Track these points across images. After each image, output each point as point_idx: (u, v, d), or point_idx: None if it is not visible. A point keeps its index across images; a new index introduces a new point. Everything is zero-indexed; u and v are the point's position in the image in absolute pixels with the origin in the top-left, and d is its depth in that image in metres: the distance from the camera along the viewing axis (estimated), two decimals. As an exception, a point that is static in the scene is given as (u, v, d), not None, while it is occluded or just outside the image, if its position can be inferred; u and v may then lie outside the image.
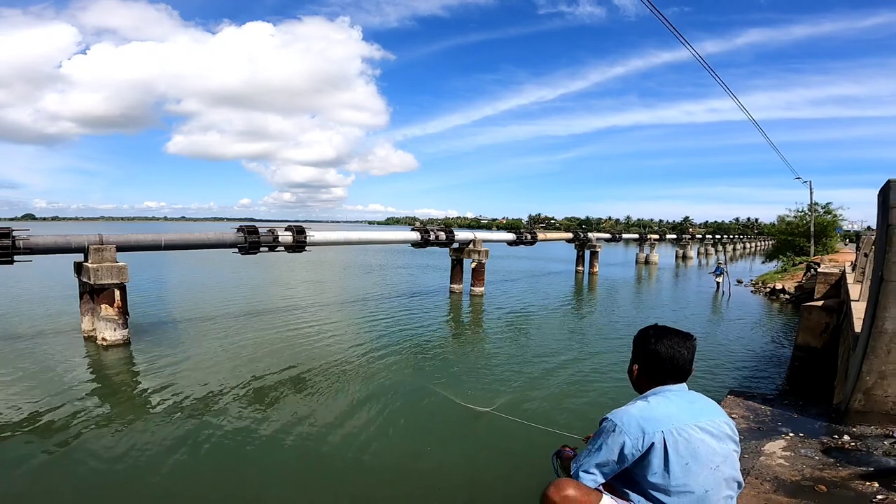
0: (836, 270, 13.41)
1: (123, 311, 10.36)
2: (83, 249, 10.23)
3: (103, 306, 10.09)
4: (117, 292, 10.18)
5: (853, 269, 12.19)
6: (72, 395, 7.52)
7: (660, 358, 2.12)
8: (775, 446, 3.35)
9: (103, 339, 10.06)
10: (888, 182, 4.16)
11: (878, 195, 4.57)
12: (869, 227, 36.21)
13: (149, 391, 7.92)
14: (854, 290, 8.80)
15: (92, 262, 10.02)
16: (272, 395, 7.69)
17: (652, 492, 2.00)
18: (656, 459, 1.96)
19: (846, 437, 3.45)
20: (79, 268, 10.50)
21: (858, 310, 6.45)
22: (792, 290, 20.18)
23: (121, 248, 10.70)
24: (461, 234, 20.26)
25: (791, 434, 3.56)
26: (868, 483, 2.71)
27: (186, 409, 7.03)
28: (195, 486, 5.07)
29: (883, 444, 3.28)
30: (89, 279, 9.95)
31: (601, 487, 2.09)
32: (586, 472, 2.08)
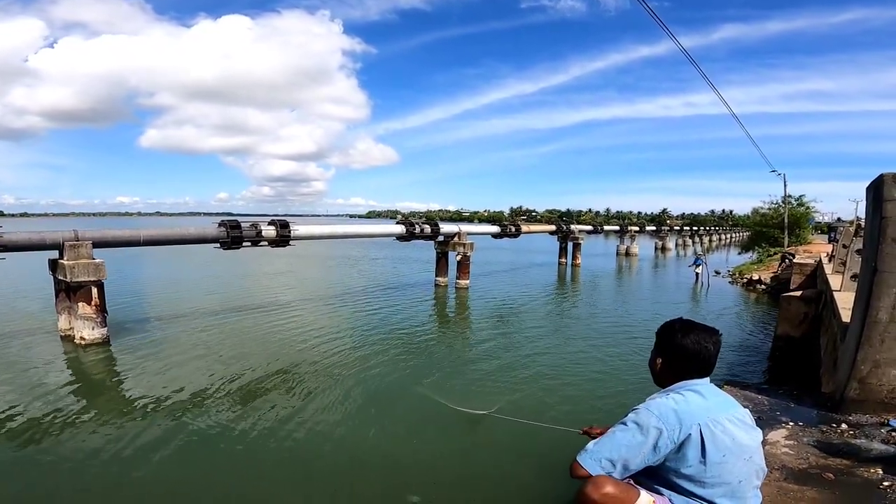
0: (811, 261, 13.80)
1: (101, 308, 10.03)
2: (58, 246, 9.84)
3: (80, 304, 9.75)
4: (95, 290, 9.85)
5: (830, 260, 12.54)
6: (50, 395, 7.26)
7: (687, 353, 2.10)
8: (778, 435, 3.41)
9: (81, 338, 9.73)
10: (881, 176, 4.26)
11: (868, 189, 4.68)
12: (840, 219, 37.33)
13: (130, 390, 7.70)
14: (834, 281, 9.03)
15: (68, 260, 9.65)
16: (255, 394, 7.51)
17: (684, 484, 2.00)
18: (692, 452, 1.96)
19: (844, 426, 3.54)
20: (54, 265, 10.11)
21: (842, 300, 6.61)
22: (768, 281, 20.72)
23: (97, 244, 10.34)
24: (446, 227, 20.21)
25: (791, 423, 3.63)
26: (872, 470, 2.77)
27: (169, 408, 6.85)
28: (178, 486, 4.93)
29: (881, 432, 3.38)
30: (65, 277, 9.60)
31: (632, 482, 2.08)
32: (609, 460, 2.01)
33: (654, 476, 2.08)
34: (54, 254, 10.12)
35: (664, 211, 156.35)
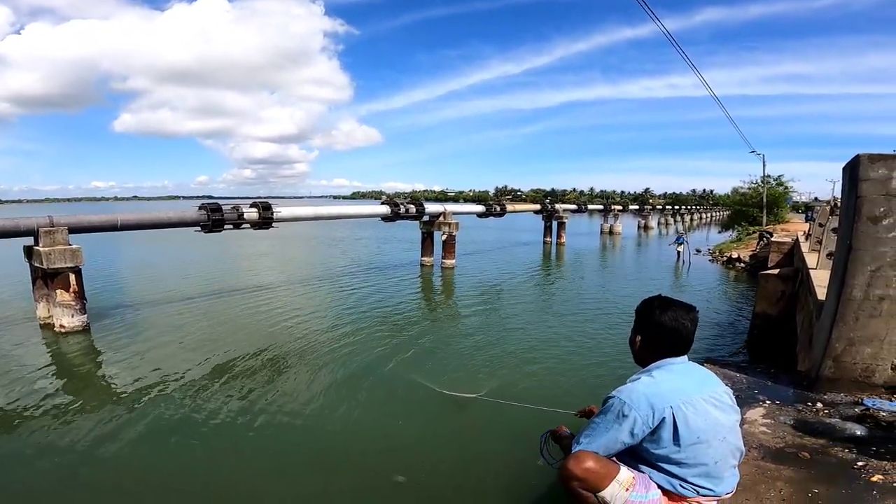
0: (788, 239, 14.09)
1: (80, 295, 9.83)
2: (33, 233, 9.55)
3: (59, 291, 9.53)
4: (72, 276, 9.62)
5: (806, 239, 12.82)
6: (31, 385, 7.13)
7: (664, 330, 2.11)
8: (756, 414, 3.52)
9: (61, 325, 9.55)
10: (857, 157, 4.34)
11: (845, 169, 4.78)
12: (817, 199, 38.10)
13: (112, 378, 7.60)
14: (811, 259, 9.23)
15: (43, 246, 9.38)
16: (238, 379, 7.47)
17: (661, 463, 2.05)
18: (666, 434, 1.99)
19: (819, 405, 3.66)
20: (29, 252, 9.83)
21: (818, 277, 6.77)
22: (747, 259, 21.16)
23: (73, 229, 10.06)
24: (431, 207, 20.13)
25: (768, 402, 3.75)
26: (847, 449, 2.88)
27: (152, 396, 6.78)
28: (165, 476, 4.91)
29: (854, 411, 3.50)
30: (41, 263, 9.35)
31: (614, 458, 2.12)
32: (592, 451, 2.07)
33: (634, 454, 2.12)
34: (30, 241, 9.83)
35: (647, 190, 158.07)
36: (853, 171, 4.29)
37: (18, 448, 5.40)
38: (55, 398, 6.78)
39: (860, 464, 2.74)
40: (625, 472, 2.05)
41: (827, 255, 8.08)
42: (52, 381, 7.48)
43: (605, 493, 2.00)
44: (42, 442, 5.54)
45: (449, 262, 19.48)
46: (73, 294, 9.66)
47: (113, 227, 11.19)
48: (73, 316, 9.63)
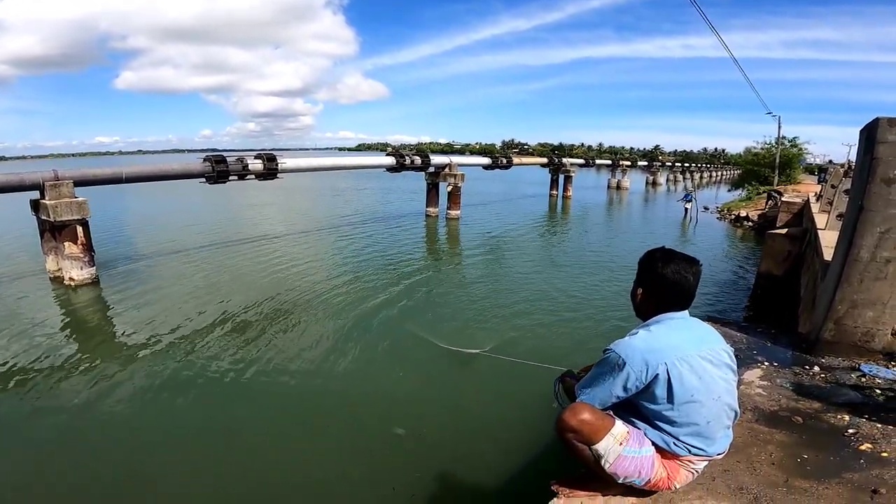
0: (799, 200, 13.83)
1: (88, 248, 9.93)
2: (38, 187, 9.53)
3: (66, 244, 9.63)
4: (80, 228, 9.69)
5: (817, 200, 12.59)
6: (45, 338, 7.30)
7: (666, 282, 2.06)
8: (753, 375, 3.57)
9: (71, 278, 9.70)
10: (876, 119, 4.23)
11: (862, 131, 4.65)
12: (831, 161, 37.13)
13: (124, 331, 7.77)
14: (820, 220, 9.09)
15: (49, 199, 9.40)
16: (244, 331, 7.62)
17: (655, 420, 2.06)
18: (660, 391, 1.98)
19: (816, 368, 3.69)
20: (36, 206, 9.84)
21: (826, 238, 6.68)
22: (755, 218, 20.91)
23: (78, 182, 10.04)
24: (437, 159, 19.97)
25: (766, 363, 3.78)
26: (840, 416, 2.93)
27: (164, 349, 6.96)
28: (179, 427, 5.08)
29: (851, 377, 3.53)
30: (48, 216, 9.39)
31: (610, 412, 2.13)
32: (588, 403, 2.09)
33: (630, 409, 2.13)
34: (36, 195, 9.81)
35: (657, 147, 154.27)
36: (871, 133, 4.19)
37: (28, 401, 5.54)
38: (65, 351, 6.95)
39: (851, 431, 2.77)
40: (620, 427, 2.06)
41: (837, 217, 7.96)
42: (63, 333, 7.67)
43: (599, 446, 2.03)
44: (52, 394, 5.70)
45: (454, 212, 19.47)
46: (81, 246, 9.75)
47: (118, 180, 11.16)
48: (81, 268, 9.77)
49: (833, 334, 4.01)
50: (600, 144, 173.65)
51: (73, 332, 7.82)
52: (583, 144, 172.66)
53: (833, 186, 9.45)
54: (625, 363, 1.99)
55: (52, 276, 10.25)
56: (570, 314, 8.49)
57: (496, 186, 35.13)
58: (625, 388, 2.02)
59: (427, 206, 20.27)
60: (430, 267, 12.48)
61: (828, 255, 5.38)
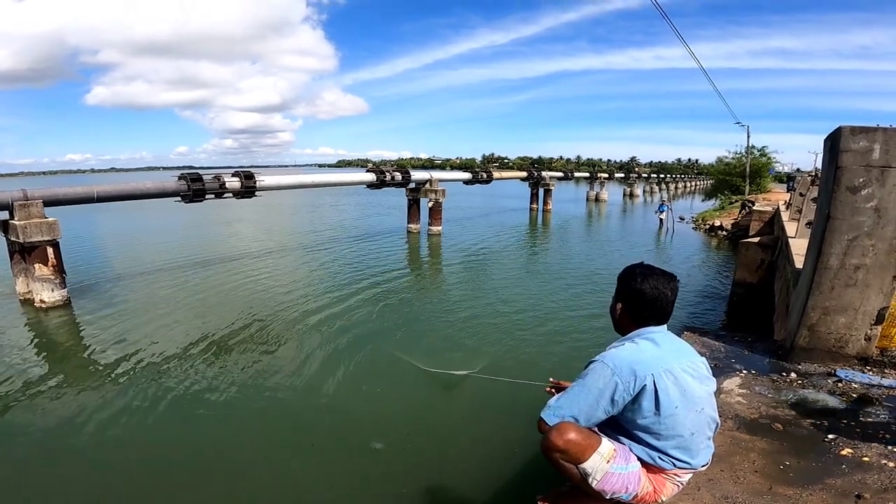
0: (769, 209, 14.26)
1: (59, 269, 9.63)
2: (7, 206, 9.24)
3: (37, 265, 9.32)
4: (50, 249, 9.40)
5: (787, 208, 12.98)
6: (15, 362, 7.03)
7: (644, 298, 2.08)
8: (732, 383, 3.62)
9: (41, 301, 9.38)
10: (839, 128, 4.36)
11: (826, 140, 4.81)
12: (799, 170, 38.54)
13: (96, 353, 7.51)
14: (790, 228, 9.36)
15: (19, 220, 9.11)
16: (220, 352, 7.46)
17: (641, 434, 2.05)
18: (647, 403, 1.98)
19: (793, 375, 3.76)
20: (5, 226, 9.52)
21: (797, 246, 6.87)
22: (729, 227, 21.45)
23: (48, 202, 9.75)
24: (417, 175, 20.03)
25: (744, 371, 3.84)
26: (819, 422, 2.98)
27: (134, 371, 6.75)
28: (145, 449, 4.93)
29: (827, 383, 3.60)
30: (17, 237, 9.09)
31: (595, 430, 2.11)
32: (572, 416, 2.03)
33: (615, 426, 2.12)
34: (5, 215, 9.52)
35: (633, 159, 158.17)
36: (834, 143, 4.32)
37: (1, 426, 5.34)
38: (36, 374, 6.70)
39: (831, 437, 2.81)
40: (606, 444, 2.05)
41: (806, 224, 8.21)
42: (33, 357, 7.39)
43: (587, 465, 2.01)
44: (22, 419, 5.48)
45: (435, 228, 19.50)
46: (51, 268, 9.46)
47: (90, 199, 10.87)
48: (52, 290, 9.46)
49: (807, 341, 4.10)
50: (578, 157, 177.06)
51: (44, 355, 7.54)
52: (561, 157, 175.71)
53: (801, 195, 9.76)
54: (613, 373, 1.99)
55: (22, 298, 9.89)
56: (553, 328, 8.51)
57: (477, 201, 35.37)
58: (612, 400, 2.00)
59: (408, 223, 20.23)
60: (413, 285, 12.42)
61: (799, 262, 5.53)
